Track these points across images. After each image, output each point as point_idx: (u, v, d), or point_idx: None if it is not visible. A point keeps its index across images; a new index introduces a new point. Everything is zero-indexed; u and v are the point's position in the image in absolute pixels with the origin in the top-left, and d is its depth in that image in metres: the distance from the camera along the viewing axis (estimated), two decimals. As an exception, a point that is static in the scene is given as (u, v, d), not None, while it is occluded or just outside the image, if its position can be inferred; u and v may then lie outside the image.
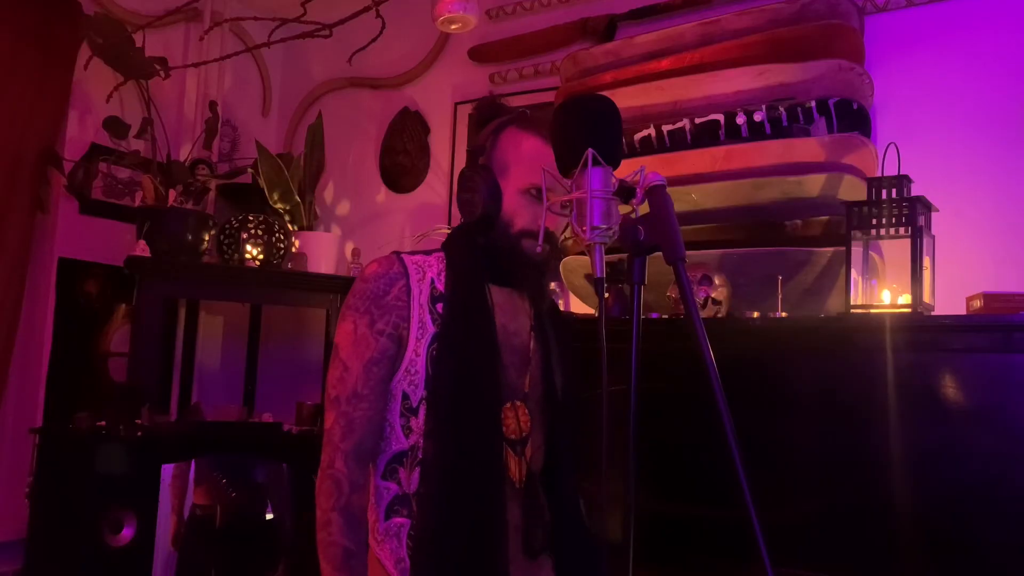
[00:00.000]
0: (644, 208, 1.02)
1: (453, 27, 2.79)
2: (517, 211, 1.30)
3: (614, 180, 1.02)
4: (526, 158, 1.30)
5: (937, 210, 1.97)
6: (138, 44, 2.89)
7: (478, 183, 1.30)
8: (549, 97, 2.96)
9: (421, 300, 1.28)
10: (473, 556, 1.21)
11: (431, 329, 1.28)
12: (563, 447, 1.38)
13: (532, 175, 1.29)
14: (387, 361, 1.26)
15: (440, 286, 1.30)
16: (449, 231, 1.42)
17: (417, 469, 1.26)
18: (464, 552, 1.20)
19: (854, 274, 1.91)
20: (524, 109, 1.40)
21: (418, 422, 1.27)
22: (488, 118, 1.39)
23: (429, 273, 1.31)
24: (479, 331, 1.27)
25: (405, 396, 1.27)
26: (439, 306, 1.29)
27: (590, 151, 0.99)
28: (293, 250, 3.14)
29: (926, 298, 1.88)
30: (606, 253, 1.00)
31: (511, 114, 1.38)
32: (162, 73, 3.00)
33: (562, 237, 1.36)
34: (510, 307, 1.35)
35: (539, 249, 1.26)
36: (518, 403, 1.32)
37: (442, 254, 1.35)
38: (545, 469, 1.37)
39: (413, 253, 1.35)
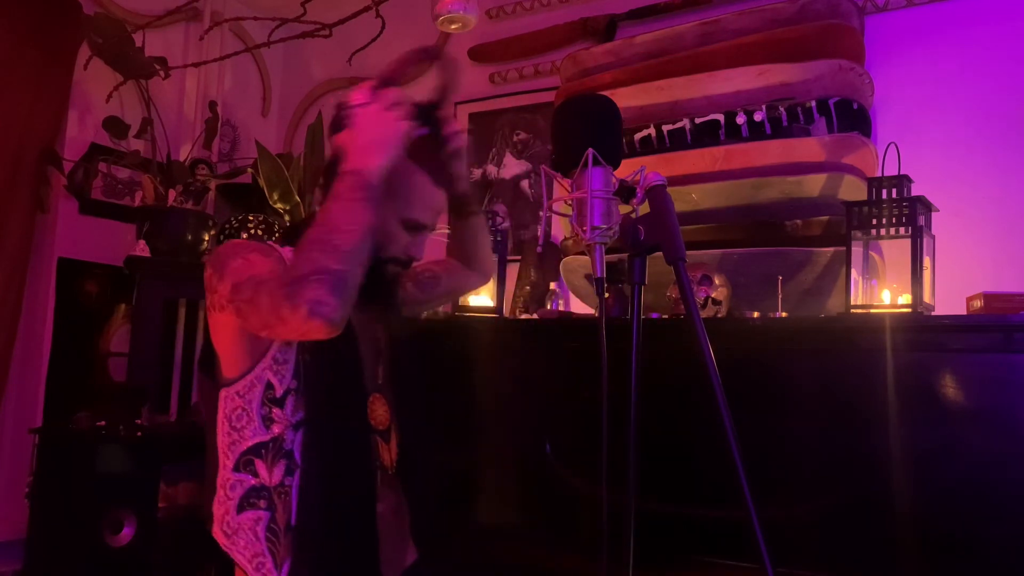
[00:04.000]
0: (644, 208, 1.02)
1: (453, 27, 2.79)
2: (391, 239, 1.29)
3: (614, 180, 1.02)
4: (412, 190, 1.28)
5: (937, 210, 1.97)
6: (138, 44, 2.89)
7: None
8: (549, 97, 2.96)
9: None
10: (357, 545, 1.23)
11: None
12: (414, 438, 1.40)
13: (415, 209, 1.28)
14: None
15: None
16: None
17: (282, 461, 1.23)
18: (347, 542, 1.22)
19: (854, 274, 1.91)
20: None
21: (283, 413, 1.23)
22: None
23: None
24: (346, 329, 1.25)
25: (269, 385, 1.23)
26: None
27: (590, 151, 0.99)
28: (293, 250, 3.14)
29: (926, 298, 1.88)
30: (606, 253, 1.01)
31: None
32: (162, 73, 3.01)
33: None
34: (361, 303, 1.35)
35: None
36: (377, 395, 1.35)
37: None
38: (399, 459, 1.38)
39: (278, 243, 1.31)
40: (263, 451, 1.24)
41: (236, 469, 1.24)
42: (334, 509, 1.22)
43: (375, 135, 1.18)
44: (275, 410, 1.23)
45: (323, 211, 1.15)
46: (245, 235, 2.99)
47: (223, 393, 1.26)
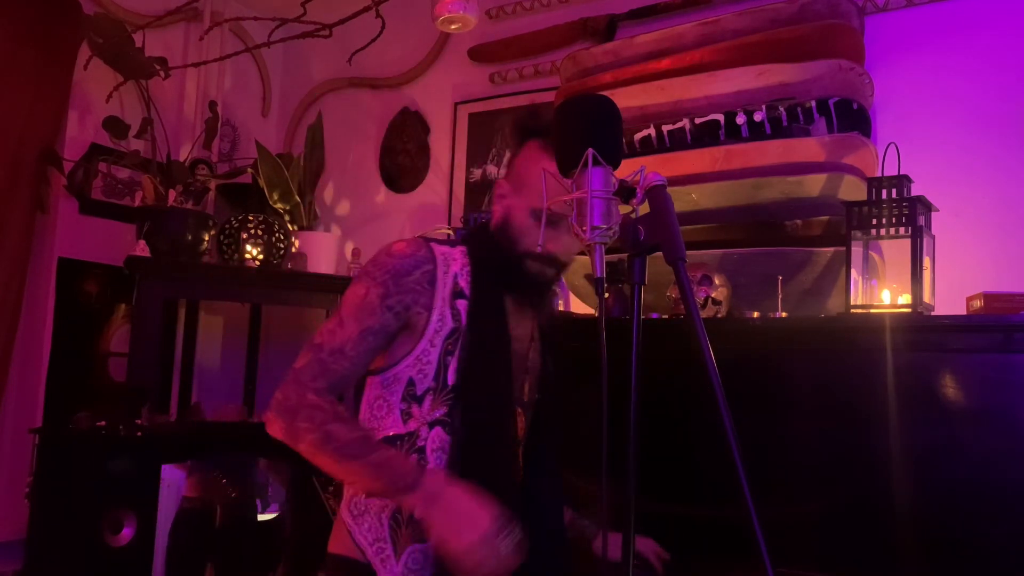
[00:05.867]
0: (644, 208, 1.02)
1: (453, 27, 2.79)
2: (523, 231, 1.32)
3: (614, 180, 1.02)
4: (538, 180, 1.29)
5: (937, 210, 1.97)
6: (138, 44, 2.89)
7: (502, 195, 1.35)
8: (549, 97, 2.96)
9: (444, 294, 1.29)
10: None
11: (450, 324, 1.28)
12: (544, 454, 1.40)
13: (540, 199, 1.29)
14: (384, 336, 1.27)
15: (462, 283, 1.30)
16: (452, 231, 1.44)
17: (413, 456, 1.26)
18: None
19: (854, 274, 1.91)
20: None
21: (420, 410, 1.27)
22: (525, 127, 1.39)
23: (453, 267, 1.31)
24: (500, 342, 1.30)
25: (411, 382, 1.28)
26: (460, 303, 1.29)
27: (590, 151, 0.99)
28: (293, 250, 3.14)
29: (926, 298, 1.88)
30: (606, 253, 1.00)
31: (540, 124, 1.38)
32: (162, 73, 3.00)
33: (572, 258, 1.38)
34: (518, 315, 1.37)
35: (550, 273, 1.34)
36: (518, 410, 1.35)
37: (464, 249, 1.35)
38: (523, 474, 1.39)
39: (438, 242, 1.35)
40: (398, 443, 1.27)
41: None
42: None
43: (460, 524, 1.15)
44: (414, 406, 1.27)
45: (377, 461, 1.18)
46: (245, 235, 2.99)
47: (369, 379, 1.32)
